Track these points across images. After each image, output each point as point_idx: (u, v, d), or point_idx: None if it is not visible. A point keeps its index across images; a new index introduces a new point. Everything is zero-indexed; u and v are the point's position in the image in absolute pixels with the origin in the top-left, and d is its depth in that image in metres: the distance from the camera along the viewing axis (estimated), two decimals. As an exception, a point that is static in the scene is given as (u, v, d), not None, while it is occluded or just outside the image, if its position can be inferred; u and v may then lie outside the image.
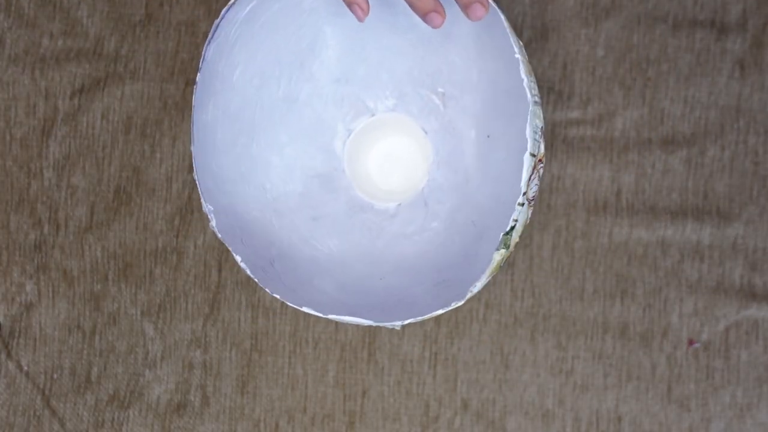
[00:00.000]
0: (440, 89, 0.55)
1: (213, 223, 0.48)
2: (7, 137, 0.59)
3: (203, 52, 0.48)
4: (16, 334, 0.58)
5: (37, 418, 0.58)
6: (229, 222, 0.50)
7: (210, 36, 0.48)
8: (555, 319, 0.57)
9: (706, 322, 0.57)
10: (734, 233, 0.57)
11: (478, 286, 0.46)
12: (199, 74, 0.48)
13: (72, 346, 0.58)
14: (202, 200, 0.48)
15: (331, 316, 0.47)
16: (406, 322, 0.47)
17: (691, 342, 0.57)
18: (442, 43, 0.54)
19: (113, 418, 0.57)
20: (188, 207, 0.58)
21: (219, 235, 0.48)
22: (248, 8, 0.49)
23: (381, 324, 0.47)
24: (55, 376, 0.58)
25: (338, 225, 0.55)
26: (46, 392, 0.58)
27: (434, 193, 0.55)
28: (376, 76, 0.56)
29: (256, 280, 0.48)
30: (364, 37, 0.55)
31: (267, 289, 0.48)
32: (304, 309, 0.47)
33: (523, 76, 0.46)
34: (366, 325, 0.49)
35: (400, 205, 0.56)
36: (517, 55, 0.46)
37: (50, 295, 0.58)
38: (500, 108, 0.53)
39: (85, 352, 0.58)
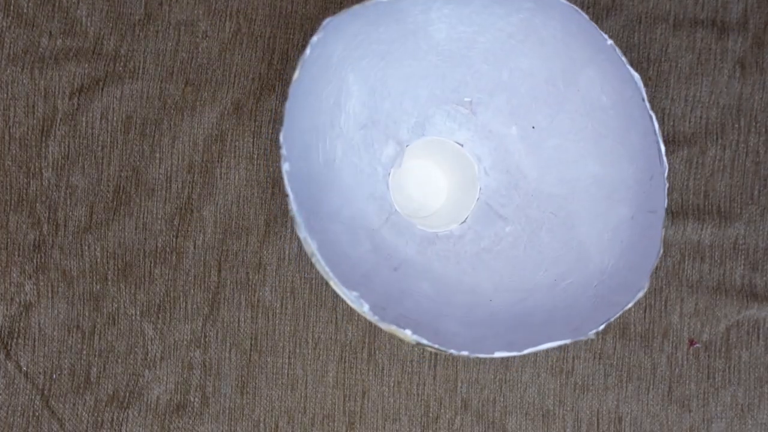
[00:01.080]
0: (466, 98, 0.55)
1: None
2: (6, 137, 0.59)
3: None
4: (15, 335, 0.58)
5: (36, 418, 0.58)
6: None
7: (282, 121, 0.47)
8: (555, 319, 0.57)
9: (706, 322, 0.57)
10: (735, 233, 0.57)
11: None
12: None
13: (71, 346, 0.58)
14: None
15: (525, 351, 0.45)
16: (601, 327, 0.46)
17: (691, 342, 0.57)
18: (466, 55, 0.54)
19: (113, 419, 0.57)
20: (188, 207, 0.58)
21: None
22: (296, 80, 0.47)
23: (579, 339, 0.46)
24: (54, 376, 0.58)
25: (417, 266, 0.54)
26: (45, 392, 0.58)
27: (494, 199, 0.55)
28: (401, 108, 0.55)
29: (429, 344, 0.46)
30: (385, 74, 0.54)
31: (452, 351, 0.45)
32: (497, 354, 0.45)
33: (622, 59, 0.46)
34: (565, 343, 0.47)
35: (464, 223, 0.55)
36: (608, 42, 0.46)
37: (49, 295, 0.58)
38: (540, 98, 0.53)
39: (84, 352, 0.58)
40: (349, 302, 0.44)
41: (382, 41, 0.52)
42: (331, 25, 0.47)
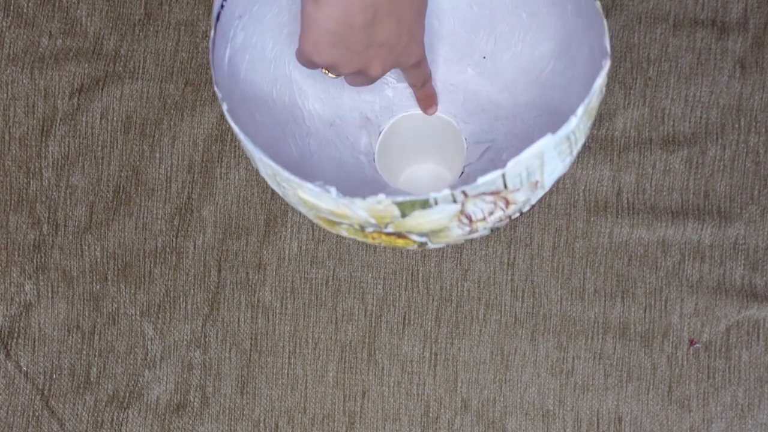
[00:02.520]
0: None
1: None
2: (6, 137, 0.59)
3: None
4: (15, 335, 0.58)
5: (36, 418, 0.58)
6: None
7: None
8: (555, 319, 0.57)
9: (706, 323, 0.57)
10: (735, 233, 0.57)
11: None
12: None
13: (71, 346, 0.58)
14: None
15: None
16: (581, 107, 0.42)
17: (692, 342, 0.57)
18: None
19: (112, 419, 0.57)
20: (188, 207, 0.58)
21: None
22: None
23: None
24: (54, 376, 0.58)
25: None
26: (45, 392, 0.58)
27: (482, 138, 0.55)
28: (360, 98, 0.55)
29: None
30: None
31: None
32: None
33: None
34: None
35: (462, 174, 0.55)
36: None
37: (49, 295, 0.58)
38: (474, 25, 0.53)
39: (84, 352, 0.58)
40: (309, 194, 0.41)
41: None
42: (241, 0, 0.46)
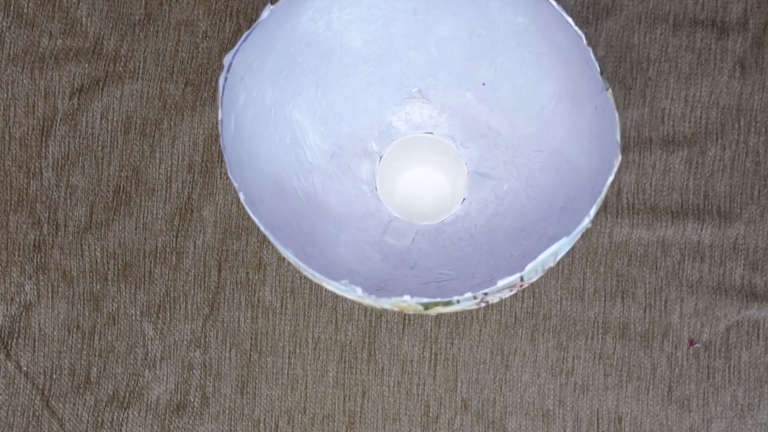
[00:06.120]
0: (414, 89, 0.55)
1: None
2: (6, 137, 0.59)
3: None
4: (15, 335, 0.58)
5: (36, 418, 0.58)
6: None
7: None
8: (555, 319, 0.57)
9: (706, 323, 0.57)
10: (735, 233, 0.57)
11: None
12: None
13: (71, 346, 0.58)
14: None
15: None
16: (592, 211, 0.45)
17: (691, 342, 0.57)
18: (390, 50, 0.54)
19: (113, 419, 0.57)
20: (188, 207, 0.58)
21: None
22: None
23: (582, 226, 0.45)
24: (54, 376, 0.58)
25: (433, 258, 0.54)
26: (46, 392, 0.58)
27: (481, 166, 0.55)
28: (359, 125, 0.55)
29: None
30: (328, 100, 0.54)
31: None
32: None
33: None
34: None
35: (464, 201, 0.55)
36: None
37: (49, 295, 0.58)
38: (474, 54, 0.53)
39: (84, 352, 0.58)
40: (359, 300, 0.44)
41: (306, 71, 0.53)
42: (242, 63, 0.47)
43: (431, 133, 0.56)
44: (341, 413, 0.57)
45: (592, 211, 0.44)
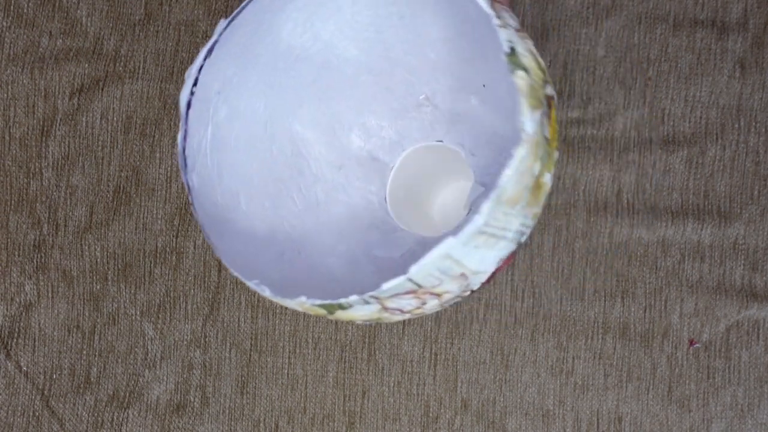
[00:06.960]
0: (421, 96, 0.55)
1: None
2: (6, 137, 0.59)
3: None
4: (15, 335, 0.58)
5: (36, 418, 0.58)
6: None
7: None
8: (555, 319, 0.57)
9: (706, 323, 0.57)
10: (735, 233, 0.57)
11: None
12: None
13: (71, 346, 0.58)
14: None
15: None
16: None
17: (691, 342, 0.57)
18: (387, 57, 0.54)
19: (113, 419, 0.57)
20: (188, 207, 0.58)
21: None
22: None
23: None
24: (54, 376, 0.58)
25: None
26: (46, 392, 0.58)
27: (487, 174, 0.54)
28: (368, 135, 0.55)
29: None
30: (334, 111, 0.54)
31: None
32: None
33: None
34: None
35: (469, 211, 0.54)
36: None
37: (49, 295, 0.58)
38: (470, 54, 0.52)
39: (84, 352, 0.58)
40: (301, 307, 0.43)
41: (304, 84, 0.53)
42: (216, 77, 0.47)
43: (441, 141, 0.55)
44: (341, 413, 0.57)
45: (485, 208, 0.39)
